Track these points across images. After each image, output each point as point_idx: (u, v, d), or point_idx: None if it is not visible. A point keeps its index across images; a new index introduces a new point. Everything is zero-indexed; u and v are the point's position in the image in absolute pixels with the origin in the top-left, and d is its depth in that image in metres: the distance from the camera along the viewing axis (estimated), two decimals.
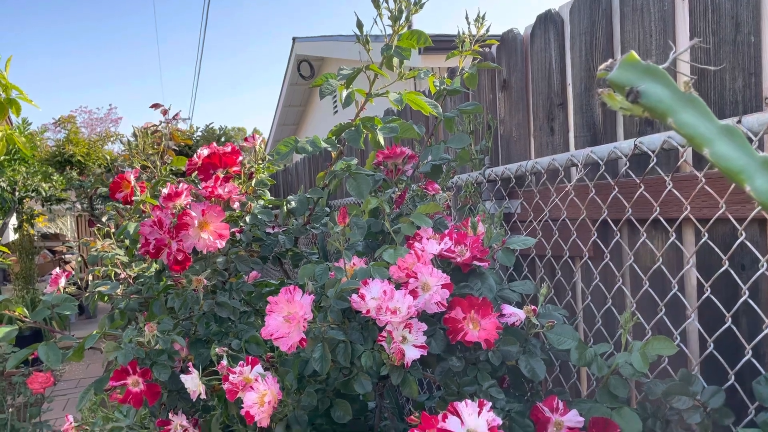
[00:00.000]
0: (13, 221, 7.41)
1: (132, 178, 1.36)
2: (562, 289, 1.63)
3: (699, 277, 1.18)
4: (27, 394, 4.08)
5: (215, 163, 1.37)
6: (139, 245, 1.19)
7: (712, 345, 1.14)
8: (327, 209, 1.46)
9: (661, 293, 1.30)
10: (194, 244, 1.17)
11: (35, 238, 7.66)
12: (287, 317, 0.99)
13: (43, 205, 7.23)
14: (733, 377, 1.10)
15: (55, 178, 6.75)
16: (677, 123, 0.43)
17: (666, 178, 1.24)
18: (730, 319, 1.10)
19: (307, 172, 4.53)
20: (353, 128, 1.25)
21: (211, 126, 9.18)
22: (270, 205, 1.47)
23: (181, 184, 1.21)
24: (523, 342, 1.12)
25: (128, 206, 1.60)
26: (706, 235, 1.15)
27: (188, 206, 1.17)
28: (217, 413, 1.45)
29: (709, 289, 1.15)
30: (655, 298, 1.30)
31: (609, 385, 1.10)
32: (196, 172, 1.41)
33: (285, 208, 1.39)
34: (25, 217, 7.11)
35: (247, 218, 1.37)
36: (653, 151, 1.26)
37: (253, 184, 1.45)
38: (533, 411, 1.08)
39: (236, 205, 1.32)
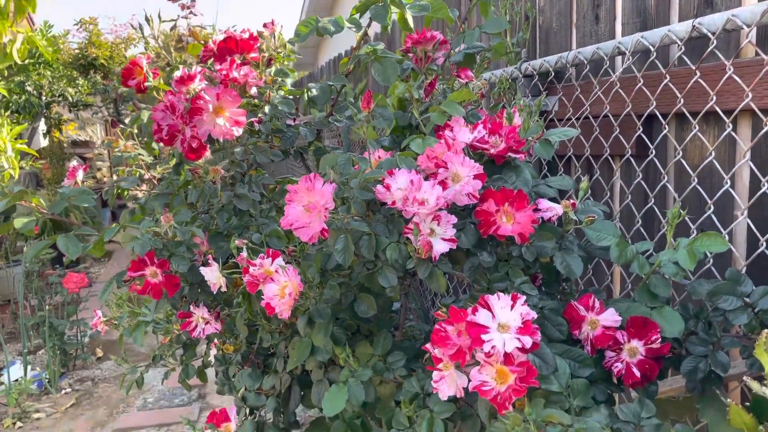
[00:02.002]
0: (42, 127, 7.44)
1: (144, 63, 1.28)
2: (600, 190, 1.55)
3: (756, 170, 1.08)
4: (64, 293, 4.22)
5: (231, 49, 1.27)
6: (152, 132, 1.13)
7: (764, 244, 1.06)
8: (351, 100, 1.37)
9: (710, 191, 1.21)
10: (209, 130, 1.10)
11: (65, 144, 7.72)
12: (307, 206, 0.93)
13: (70, 111, 7.22)
14: None
15: (80, 82, 6.69)
16: None
17: (726, 63, 1.11)
18: None
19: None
20: (380, 4, 1.13)
21: (234, 28, 8.92)
22: (291, 96, 1.38)
23: (194, 68, 1.13)
24: (559, 238, 1.05)
25: (144, 99, 1.53)
26: None
27: (202, 91, 1.10)
28: (242, 310, 1.43)
29: (766, 183, 1.05)
30: (702, 195, 1.21)
31: (649, 284, 1.03)
32: (212, 59, 1.33)
33: (306, 96, 1.30)
34: (53, 122, 7.12)
35: (267, 108, 1.30)
36: (713, 33, 1.13)
37: (272, 73, 1.36)
38: (567, 309, 1.02)
39: (253, 90, 1.24)
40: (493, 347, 0.77)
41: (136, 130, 2.11)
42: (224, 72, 1.17)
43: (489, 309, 0.81)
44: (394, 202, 0.95)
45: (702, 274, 1.20)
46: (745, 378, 0.75)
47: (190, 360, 1.81)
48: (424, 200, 0.93)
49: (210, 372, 1.91)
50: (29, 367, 3.80)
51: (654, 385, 1.01)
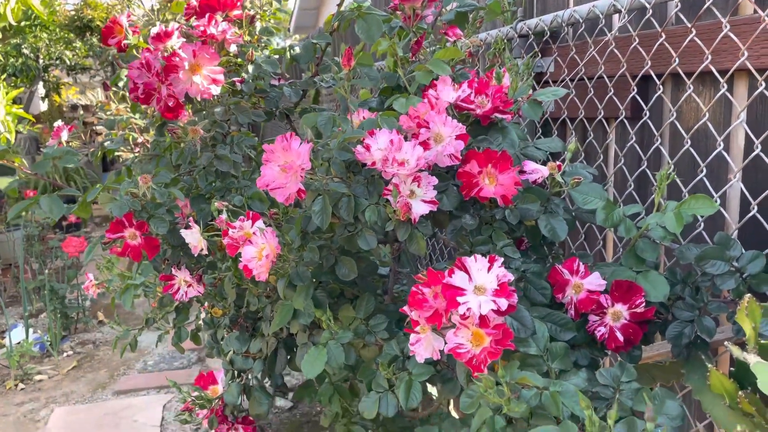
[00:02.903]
0: (41, 91, 7.37)
1: (124, 21, 1.25)
2: (594, 153, 1.51)
3: (749, 132, 1.05)
4: (64, 257, 4.23)
5: (213, 6, 1.23)
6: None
7: (755, 208, 1.03)
8: (337, 59, 1.33)
9: (703, 154, 1.18)
10: (186, 89, 1.07)
11: (65, 108, 7.67)
12: (283, 167, 0.91)
13: (68, 74, 7.15)
14: None
15: (77, 45, 6.60)
16: None
17: (723, 20, 1.07)
18: None
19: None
20: None
21: None
22: (276, 56, 1.35)
23: (171, 24, 1.09)
24: (545, 201, 1.02)
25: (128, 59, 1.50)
26: (764, 84, 1.01)
27: (178, 48, 1.06)
28: (230, 273, 1.42)
29: (759, 146, 1.02)
30: (695, 159, 1.18)
31: (636, 247, 1.01)
32: (195, 17, 1.29)
33: (288, 54, 1.26)
34: (51, 86, 7.06)
35: (250, 68, 1.26)
36: None
37: (257, 32, 1.33)
38: (551, 273, 1.01)
39: (233, 48, 1.20)
40: (468, 309, 0.76)
41: (128, 93, 2.06)
42: (202, 28, 1.13)
43: (466, 271, 0.79)
44: (374, 163, 0.93)
45: (693, 239, 1.18)
46: (726, 343, 0.73)
47: (183, 323, 1.81)
48: (404, 161, 0.91)
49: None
50: (31, 330, 3.83)
51: (638, 350, 1.00)
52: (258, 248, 0.96)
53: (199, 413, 1.34)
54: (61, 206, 1.27)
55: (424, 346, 0.84)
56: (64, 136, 1.43)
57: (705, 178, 1.14)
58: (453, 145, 0.93)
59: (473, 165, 0.95)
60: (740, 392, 0.73)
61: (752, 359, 0.68)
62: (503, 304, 0.75)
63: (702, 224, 1.15)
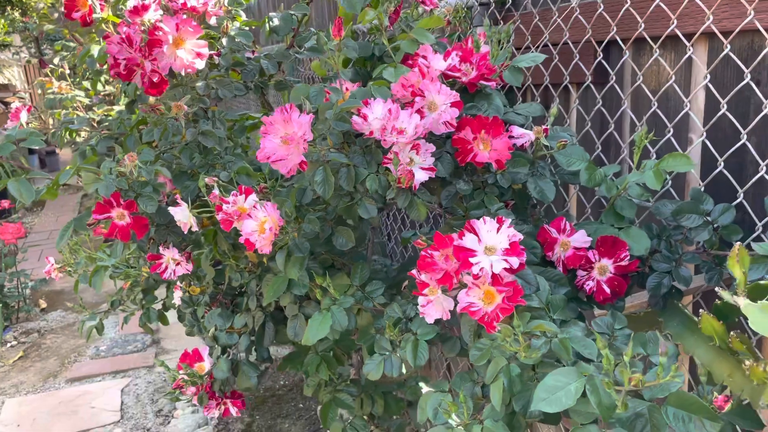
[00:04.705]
0: None
1: None
2: (559, 117, 1.57)
3: (716, 93, 1.12)
4: None
5: None
6: (107, 68, 1.06)
7: (722, 164, 1.11)
8: (312, 29, 1.32)
9: (668, 115, 1.25)
10: (170, 64, 1.04)
11: None
12: (284, 138, 0.91)
13: None
14: (741, 195, 1.08)
15: None
16: None
17: None
18: (745, 135, 1.06)
19: (272, 10, 4.19)
20: None
21: None
22: (247, 27, 1.33)
23: None
24: (530, 164, 1.07)
25: (86, 32, 1.43)
26: (729, 47, 1.07)
27: (159, 21, 1.03)
28: (206, 250, 1.41)
29: (725, 105, 1.09)
30: (658, 121, 1.25)
31: (616, 205, 1.07)
32: None
33: (267, 26, 1.25)
34: None
35: (224, 40, 1.24)
36: None
37: (226, 3, 1.30)
38: (540, 232, 1.06)
39: (213, 20, 1.18)
40: (481, 269, 0.79)
41: (68, 70, 1.99)
42: (181, 1, 1.10)
43: (475, 233, 0.82)
44: (371, 133, 0.94)
45: (660, 197, 1.25)
46: (717, 289, 0.79)
47: (151, 304, 1.79)
48: (402, 129, 0.93)
49: (169, 315, 1.89)
50: None
51: (621, 301, 1.06)
52: (258, 222, 0.96)
53: (186, 391, 1.34)
54: (31, 190, 1.23)
55: (434, 307, 0.87)
56: (24, 117, 1.37)
57: (672, 138, 1.21)
58: (449, 113, 0.96)
59: (467, 132, 0.98)
60: (732, 333, 0.80)
61: (742, 302, 0.75)
62: (515, 262, 0.79)
63: (670, 182, 1.23)
